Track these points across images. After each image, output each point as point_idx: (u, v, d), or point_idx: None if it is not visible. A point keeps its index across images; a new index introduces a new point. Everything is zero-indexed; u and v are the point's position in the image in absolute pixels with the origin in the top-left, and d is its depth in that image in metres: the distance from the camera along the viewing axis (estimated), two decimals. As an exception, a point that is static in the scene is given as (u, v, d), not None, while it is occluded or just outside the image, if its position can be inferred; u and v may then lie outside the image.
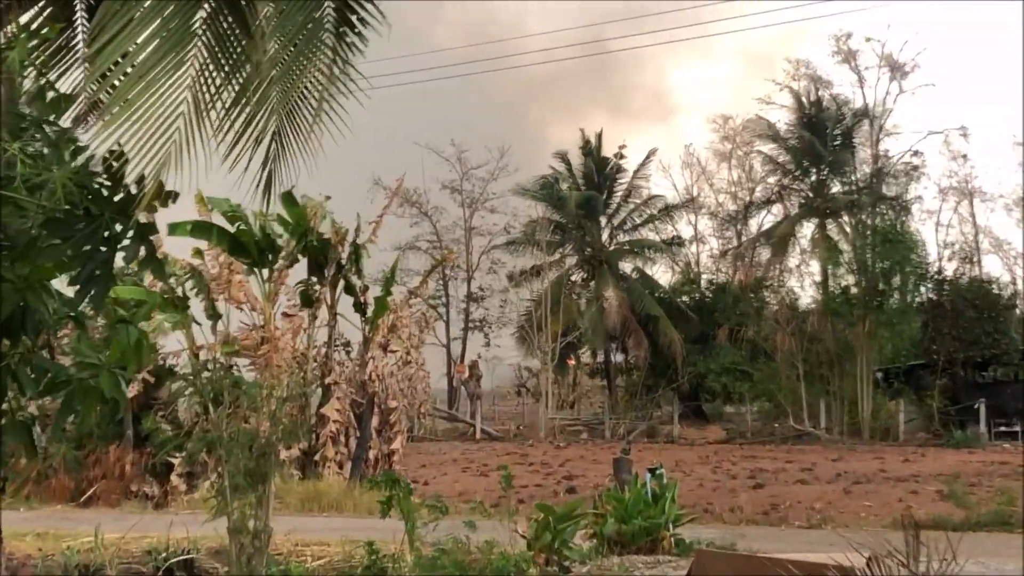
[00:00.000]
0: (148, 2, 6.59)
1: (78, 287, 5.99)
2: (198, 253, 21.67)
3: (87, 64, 7.81)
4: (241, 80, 7.03)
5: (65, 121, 6.66)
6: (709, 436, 43.22)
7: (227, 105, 7.08)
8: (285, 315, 22.24)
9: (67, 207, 5.74)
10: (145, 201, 5.95)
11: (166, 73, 6.56)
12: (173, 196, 6.34)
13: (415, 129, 55.55)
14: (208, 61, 6.84)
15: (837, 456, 33.77)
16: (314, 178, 8.08)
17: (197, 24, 6.82)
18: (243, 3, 7.05)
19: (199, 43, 6.79)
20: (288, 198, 20.45)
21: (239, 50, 6.99)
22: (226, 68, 6.99)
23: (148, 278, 20.48)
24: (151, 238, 6.16)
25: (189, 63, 6.68)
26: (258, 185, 7.41)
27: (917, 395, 42.04)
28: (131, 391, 19.91)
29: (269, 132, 7.33)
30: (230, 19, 7.01)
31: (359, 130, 7.94)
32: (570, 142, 64.36)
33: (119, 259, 6.12)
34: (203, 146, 6.61)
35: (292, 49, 7.38)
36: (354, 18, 7.60)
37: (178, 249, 21.18)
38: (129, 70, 6.55)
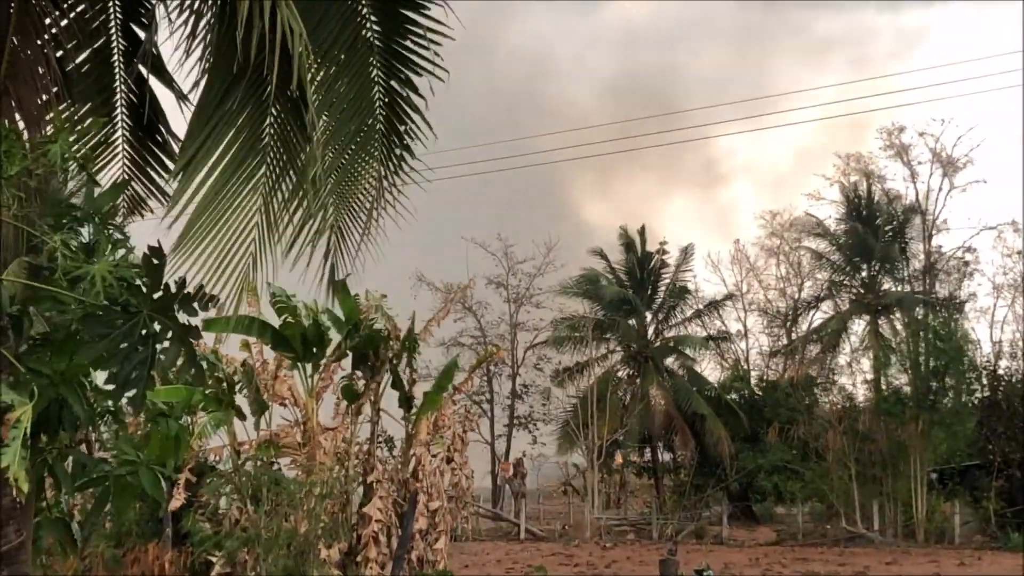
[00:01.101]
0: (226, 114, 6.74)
1: (117, 386, 5.90)
2: (246, 346, 21.61)
3: (127, 161, 7.90)
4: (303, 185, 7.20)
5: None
6: (759, 537, 42.40)
7: (290, 208, 7.21)
8: (327, 427, 22.04)
9: (106, 303, 5.66)
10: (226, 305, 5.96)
11: (239, 186, 6.77)
12: (214, 300, 6.28)
13: (461, 222, 55.76)
14: (276, 171, 6.99)
15: (891, 559, 32.99)
16: (357, 272, 8.15)
17: (266, 137, 6.95)
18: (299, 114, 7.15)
19: (268, 155, 6.94)
20: (342, 289, 20.08)
21: (302, 157, 7.13)
22: (293, 176, 7.13)
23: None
24: (192, 342, 6.08)
25: (261, 174, 6.82)
26: (321, 279, 7.52)
27: (972, 496, 41.09)
28: (177, 494, 19.81)
29: (328, 227, 7.42)
30: (293, 130, 7.12)
31: (404, 224, 7.95)
32: (614, 238, 64.60)
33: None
34: (270, 247, 6.76)
35: (347, 156, 7.55)
36: (402, 128, 7.73)
37: (228, 343, 21.18)
38: (199, 185, 6.67)
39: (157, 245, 6.17)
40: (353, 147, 7.71)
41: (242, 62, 6.31)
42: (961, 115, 77.71)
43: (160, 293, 5.92)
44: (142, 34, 7.75)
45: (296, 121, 6.98)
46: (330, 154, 7.50)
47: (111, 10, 7.76)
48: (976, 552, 35.32)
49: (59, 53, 7.49)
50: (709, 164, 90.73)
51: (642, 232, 54.11)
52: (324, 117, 7.47)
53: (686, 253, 53.90)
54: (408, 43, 7.67)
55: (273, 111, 6.90)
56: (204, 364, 20.13)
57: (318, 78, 7.43)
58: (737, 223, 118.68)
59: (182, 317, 5.99)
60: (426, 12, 7.49)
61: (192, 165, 6.68)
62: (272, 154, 6.97)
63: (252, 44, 6.11)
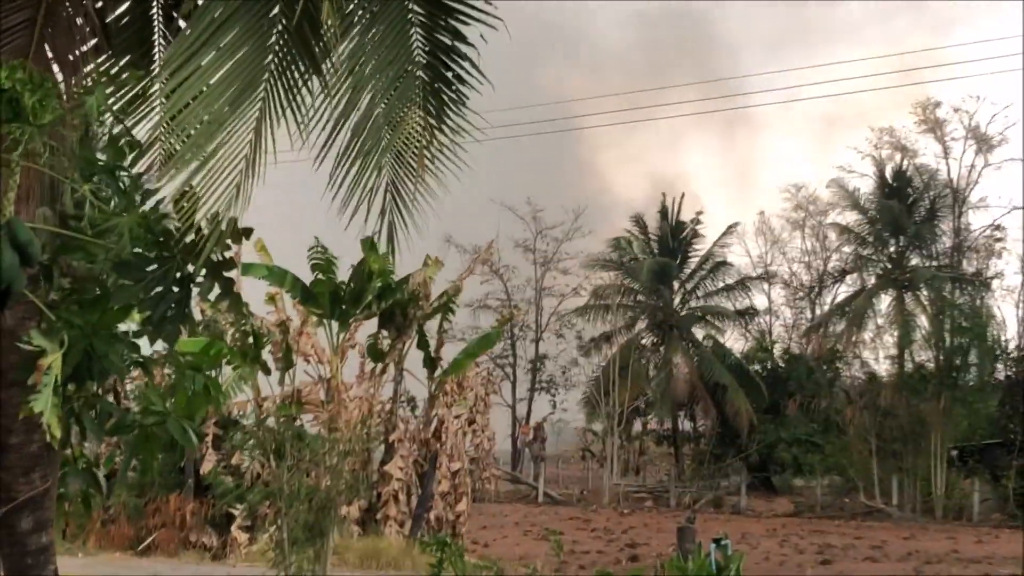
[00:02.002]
0: (225, 39, 6.62)
1: (152, 328, 5.96)
2: (271, 300, 21.71)
3: (163, 102, 7.88)
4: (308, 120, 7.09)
5: (139, 167, 6.68)
6: (777, 509, 42.43)
7: (338, 158, 7.18)
8: (357, 378, 22.15)
9: (137, 251, 5.71)
10: (213, 241, 5.92)
11: (237, 114, 6.61)
12: (247, 232, 6.33)
13: (490, 186, 55.74)
14: (278, 100, 6.88)
15: (908, 534, 32.95)
16: (323, 223, 8.12)
17: (269, 66, 6.85)
18: (313, 43, 7.05)
19: (268, 85, 6.81)
20: (370, 245, 19.97)
21: (305, 91, 7.03)
22: (296, 112, 7.03)
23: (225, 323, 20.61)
24: (228, 275, 6.14)
25: (258, 105, 6.71)
26: (378, 235, 7.63)
27: (992, 475, 40.93)
28: (205, 451, 19.99)
29: (383, 184, 7.43)
30: (301, 65, 7.02)
31: (439, 186, 7.94)
32: (641, 203, 64.29)
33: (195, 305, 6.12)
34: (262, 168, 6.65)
35: (384, 104, 7.44)
36: (449, 75, 7.64)
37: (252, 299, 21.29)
38: (202, 113, 6.57)
39: (188, 188, 6.22)
40: (392, 95, 7.52)
41: None
42: (997, 93, 77.07)
43: (192, 236, 5.99)
44: None
45: (307, 47, 6.91)
46: (367, 103, 7.39)
47: None
48: (994, 530, 35.24)
49: (99, 4, 7.50)
50: (740, 133, 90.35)
51: (679, 201, 53.99)
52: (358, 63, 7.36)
53: (728, 229, 53.80)
54: None
55: (280, 32, 6.84)
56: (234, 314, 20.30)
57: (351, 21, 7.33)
58: (765, 193, 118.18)
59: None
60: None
61: (186, 73, 6.49)
62: (275, 75, 6.88)
63: None
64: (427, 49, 7.58)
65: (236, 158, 6.46)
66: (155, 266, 5.79)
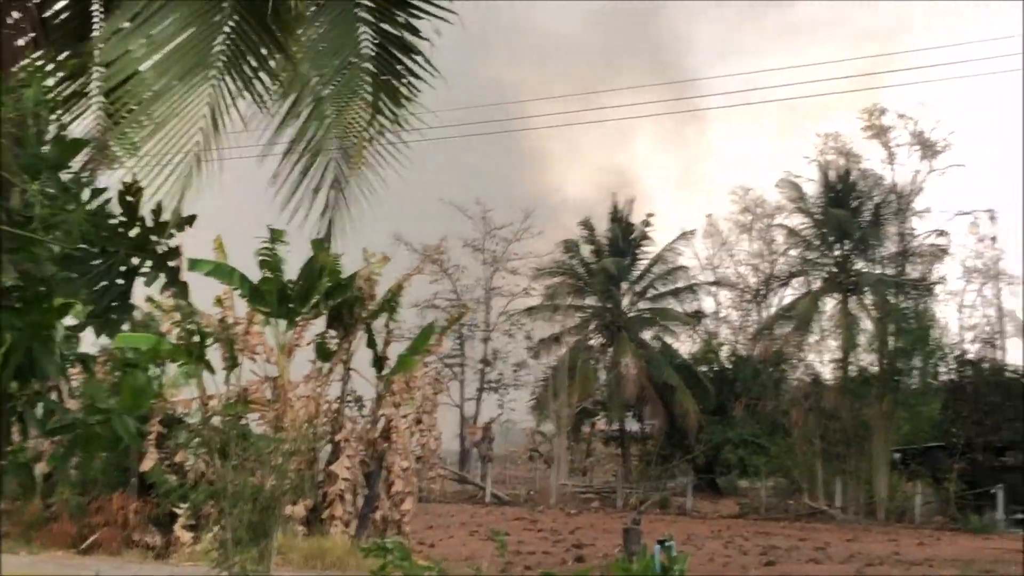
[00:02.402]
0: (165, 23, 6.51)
1: (95, 321, 5.92)
2: (219, 302, 21.55)
3: (101, 111, 7.79)
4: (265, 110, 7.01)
5: (81, 162, 6.62)
6: (722, 510, 42.76)
7: (284, 154, 7.11)
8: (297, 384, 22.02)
9: (83, 246, 5.67)
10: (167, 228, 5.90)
11: (184, 95, 6.50)
12: (189, 220, 6.29)
13: (438, 185, 55.60)
14: (228, 84, 6.77)
15: (851, 536, 33.30)
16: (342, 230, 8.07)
17: (217, 48, 6.76)
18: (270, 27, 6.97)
19: (218, 68, 6.71)
20: (318, 245, 19.93)
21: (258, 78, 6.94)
22: (247, 94, 6.95)
23: (165, 325, 20.43)
24: (173, 264, 6.11)
25: (207, 91, 6.62)
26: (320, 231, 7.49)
27: (934, 477, 41.47)
28: (148, 448, 19.79)
29: (327, 182, 7.35)
30: (251, 41, 6.92)
31: (382, 184, 7.89)
32: (592, 202, 64.50)
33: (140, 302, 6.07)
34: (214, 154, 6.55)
35: (331, 93, 7.36)
36: (399, 68, 7.60)
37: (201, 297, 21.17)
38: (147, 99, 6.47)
39: (132, 182, 6.17)
40: (338, 88, 7.49)
41: None
42: (942, 100, 78.12)
43: (137, 229, 5.96)
44: None
45: (258, 31, 6.82)
46: (309, 100, 7.33)
47: None
48: (936, 532, 35.67)
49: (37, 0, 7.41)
50: (692, 133, 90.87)
51: (631, 203, 54.09)
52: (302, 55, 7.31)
53: (681, 235, 53.99)
54: None
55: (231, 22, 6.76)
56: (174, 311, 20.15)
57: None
58: (715, 194, 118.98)
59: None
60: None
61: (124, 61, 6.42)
62: (227, 60, 6.80)
63: None
64: (376, 42, 7.54)
65: (184, 146, 6.38)
66: (100, 260, 5.75)
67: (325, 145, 7.31)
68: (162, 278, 6.07)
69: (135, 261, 5.91)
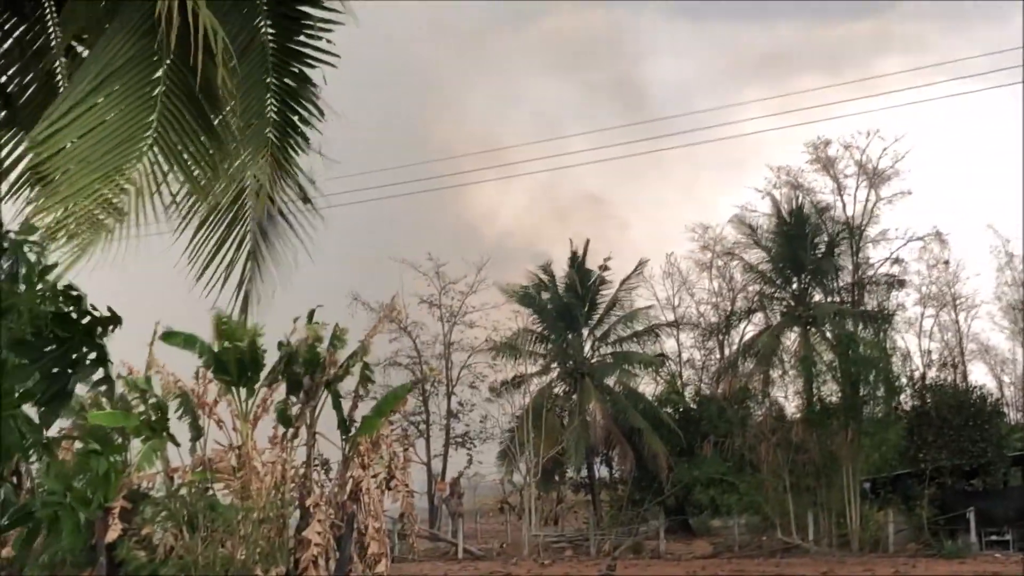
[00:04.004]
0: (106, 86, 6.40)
1: (43, 406, 5.84)
2: (197, 376, 21.50)
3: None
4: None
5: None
6: (696, 550, 42.57)
7: (197, 228, 7.02)
8: (262, 451, 21.82)
9: (34, 331, 5.59)
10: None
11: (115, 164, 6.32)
12: (118, 321, 6.23)
13: (390, 244, 55.68)
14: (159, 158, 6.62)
15: (827, 569, 33.31)
16: (289, 294, 8.03)
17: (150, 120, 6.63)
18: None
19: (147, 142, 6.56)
20: (219, 320, 20.18)
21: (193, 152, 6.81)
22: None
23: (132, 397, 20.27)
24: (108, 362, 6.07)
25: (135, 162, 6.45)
26: (235, 303, 7.37)
27: (906, 505, 41.59)
28: (112, 523, 19.47)
29: (244, 253, 7.27)
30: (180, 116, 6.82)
31: (331, 245, 7.86)
32: (547, 251, 64.63)
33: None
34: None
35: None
36: (295, 119, 7.61)
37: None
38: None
39: (70, 286, 6.09)
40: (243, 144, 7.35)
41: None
42: (885, 127, 79.08)
43: (87, 319, 5.89)
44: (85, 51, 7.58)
45: (193, 102, 6.72)
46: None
47: (52, 31, 7.57)
48: (911, 560, 35.75)
49: (3, 78, 7.35)
50: (648, 173, 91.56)
51: (586, 246, 54.15)
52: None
53: (637, 268, 53.98)
54: (302, 37, 7.55)
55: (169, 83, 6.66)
56: (133, 388, 20.00)
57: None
58: (669, 236, 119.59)
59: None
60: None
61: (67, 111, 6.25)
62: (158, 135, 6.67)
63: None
64: (278, 98, 7.56)
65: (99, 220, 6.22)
66: (53, 346, 5.65)
67: (240, 215, 7.25)
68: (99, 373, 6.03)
69: (84, 351, 5.84)
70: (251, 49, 7.36)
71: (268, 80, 7.45)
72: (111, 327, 6.14)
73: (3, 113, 7.18)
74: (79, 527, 6.01)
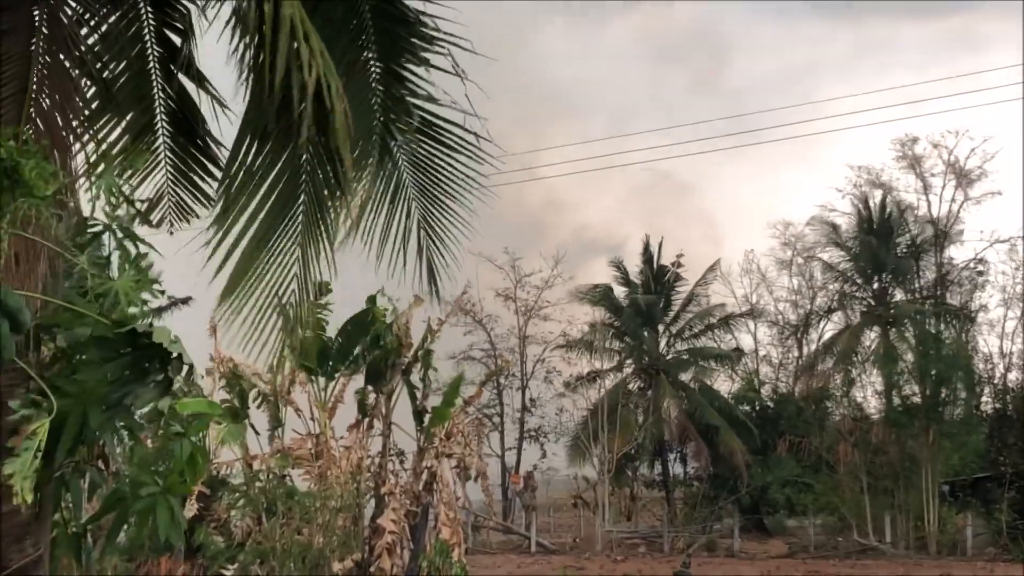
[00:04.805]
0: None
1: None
2: (271, 368, 21.60)
3: (169, 167, 7.99)
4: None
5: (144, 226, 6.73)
6: (771, 550, 42.27)
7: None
8: (341, 439, 22.01)
9: (116, 330, 5.69)
10: None
11: (278, 239, 7.00)
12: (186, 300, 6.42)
13: (468, 237, 55.70)
14: (312, 221, 7.16)
15: (903, 571, 32.92)
16: (369, 287, 8.53)
17: (302, 186, 7.11)
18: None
19: (303, 206, 7.10)
20: (371, 301, 20.15)
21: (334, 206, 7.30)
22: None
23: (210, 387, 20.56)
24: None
25: (299, 226, 7.05)
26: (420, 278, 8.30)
27: (985, 508, 40.94)
28: (190, 510, 19.78)
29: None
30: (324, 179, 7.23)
31: (411, 236, 8.08)
32: (629, 248, 64.53)
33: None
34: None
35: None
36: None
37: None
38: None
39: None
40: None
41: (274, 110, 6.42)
42: (976, 126, 77.68)
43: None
44: (177, 40, 7.80)
45: (327, 169, 7.09)
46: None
47: (144, 18, 7.76)
48: (988, 564, 35.20)
49: (98, 65, 7.54)
50: (723, 173, 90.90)
51: (660, 244, 54.19)
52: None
53: (711, 267, 54.03)
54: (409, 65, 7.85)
55: (307, 159, 7.03)
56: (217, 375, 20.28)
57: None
58: (745, 233, 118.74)
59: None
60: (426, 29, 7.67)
61: (229, 215, 6.90)
62: (306, 205, 7.11)
63: (276, 84, 6.17)
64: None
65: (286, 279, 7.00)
66: (129, 349, 5.75)
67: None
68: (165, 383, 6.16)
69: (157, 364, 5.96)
70: (354, 74, 7.68)
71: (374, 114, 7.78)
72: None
73: (95, 104, 7.36)
74: (175, 518, 6.13)
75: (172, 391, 6.08)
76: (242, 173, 6.99)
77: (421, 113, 7.91)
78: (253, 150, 6.98)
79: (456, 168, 8.06)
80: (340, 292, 19.09)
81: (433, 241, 8.18)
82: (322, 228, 7.12)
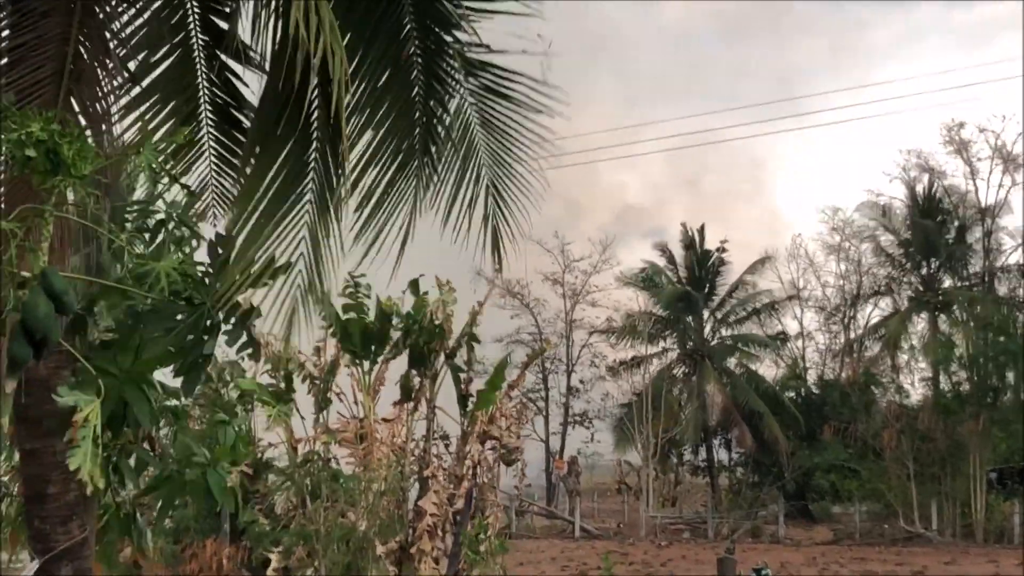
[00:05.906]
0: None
1: (180, 376, 5.97)
2: (317, 351, 21.73)
3: (213, 156, 8.00)
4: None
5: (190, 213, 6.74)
6: (816, 537, 42.04)
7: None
8: (385, 420, 22.05)
9: (170, 297, 5.71)
10: (246, 283, 5.94)
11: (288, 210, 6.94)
12: (284, 268, 6.38)
13: (518, 220, 55.79)
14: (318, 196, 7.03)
15: (950, 559, 32.60)
16: (415, 269, 8.46)
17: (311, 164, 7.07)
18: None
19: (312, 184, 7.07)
20: (415, 286, 20.18)
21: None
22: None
23: (253, 369, 20.62)
24: (253, 323, 6.17)
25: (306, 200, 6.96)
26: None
27: (1033, 496, 40.48)
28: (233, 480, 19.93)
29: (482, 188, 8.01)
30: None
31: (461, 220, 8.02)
32: (672, 230, 64.30)
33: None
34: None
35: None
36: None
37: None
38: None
39: (224, 233, 6.24)
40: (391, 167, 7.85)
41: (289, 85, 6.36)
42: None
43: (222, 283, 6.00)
44: (223, 24, 7.77)
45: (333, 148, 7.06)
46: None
47: (188, 4, 7.75)
48: (1036, 552, 34.83)
49: (141, 53, 7.57)
50: (760, 161, 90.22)
51: (701, 230, 53.96)
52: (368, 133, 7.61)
53: (761, 259, 53.78)
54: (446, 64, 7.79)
55: (316, 140, 7.00)
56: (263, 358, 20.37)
57: (364, 95, 7.53)
58: (790, 219, 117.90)
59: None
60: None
61: (247, 190, 6.90)
62: (315, 183, 7.07)
63: (288, 59, 6.15)
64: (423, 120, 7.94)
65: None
66: (183, 315, 5.76)
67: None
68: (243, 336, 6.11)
69: (221, 316, 5.93)
70: (398, 70, 7.69)
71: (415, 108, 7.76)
72: (271, 275, 6.32)
73: (137, 89, 7.39)
74: (226, 488, 6.17)
75: (250, 336, 6.12)
76: (258, 148, 6.97)
77: (494, 70, 7.80)
78: (271, 123, 6.96)
79: (527, 129, 7.88)
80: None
81: (500, 208, 8.01)
82: (330, 206, 7.05)
